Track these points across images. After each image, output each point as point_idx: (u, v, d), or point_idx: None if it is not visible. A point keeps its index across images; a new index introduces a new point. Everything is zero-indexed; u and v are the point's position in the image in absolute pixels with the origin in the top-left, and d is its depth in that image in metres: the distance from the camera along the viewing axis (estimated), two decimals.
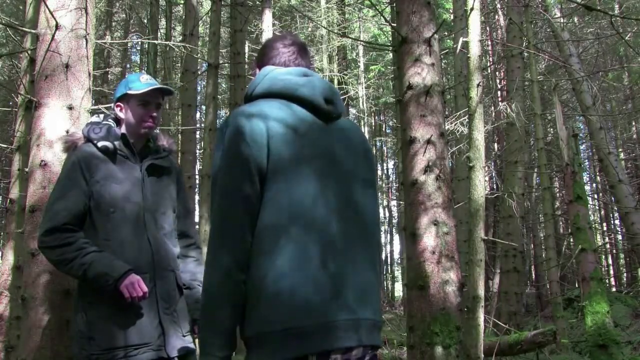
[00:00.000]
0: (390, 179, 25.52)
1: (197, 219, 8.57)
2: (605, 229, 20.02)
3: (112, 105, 2.31)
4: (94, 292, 2.02)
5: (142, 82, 2.21)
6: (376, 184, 1.58)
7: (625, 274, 18.05)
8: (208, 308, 1.33)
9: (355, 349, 1.29)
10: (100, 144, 2.14)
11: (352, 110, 19.26)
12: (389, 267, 26.42)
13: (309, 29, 13.78)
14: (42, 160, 2.64)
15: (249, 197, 1.33)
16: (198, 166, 13.52)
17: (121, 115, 2.24)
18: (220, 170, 1.37)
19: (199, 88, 14.55)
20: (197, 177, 9.20)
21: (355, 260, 1.37)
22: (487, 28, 14.23)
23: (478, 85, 4.37)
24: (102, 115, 2.29)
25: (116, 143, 2.17)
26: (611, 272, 19.73)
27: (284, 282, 1.27)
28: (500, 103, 10.83)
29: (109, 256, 2.00)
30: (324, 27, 12.61)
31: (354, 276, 1.34)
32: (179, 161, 7.85)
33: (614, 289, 16.40)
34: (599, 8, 7.72)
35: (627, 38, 9.15)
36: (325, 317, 1.26)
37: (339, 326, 1.27)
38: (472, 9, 4.37)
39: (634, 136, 17.21)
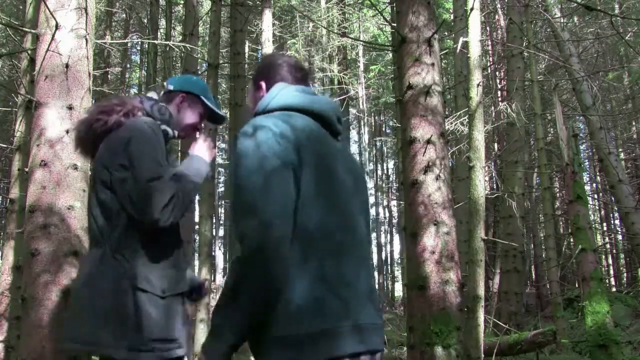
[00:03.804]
0: (390, 179, 25.52)
1: (197, 219, 8.57)
2: (605, 229, 20.02)
3: (169, 86, 2.17)
4: (152, 277, 1.86)
5: (214, 102, 2.22)
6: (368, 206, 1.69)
7: (625, 274, 18.04)
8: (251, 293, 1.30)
9: (363, 354, 1.33)
10: (163, 127, 2.03)
11: (352, 110, 19.24)
12: (389, 267, 26.43)
13: (309, 29, 13.77)
14: (42, 160, 2.64)
15: (291, 189, 1.33)
16: None
17: (181, 106, 2.15)
18: (253, 173, 1.33)
19: None
20: None
21: (360, 268, 1.43)
22: (487, 28, 14.22)
23: (478, 85, 4.37)
24: (154, 94, 2.17)
25: (175, 132, 2.12)
26: (611, 272, 19.74)
27: (311, 288, 1.30)
28: (500, 103, 10.82)
29: (182, 166, 1.98)
30: (324, 27, 12.61)
31: (362, 283, 1.40)
32: (179, 161, 7.84)
33: (614, 289, 16.40)
34: (599, 8, 7.71)
35: (627, 38, 9.15)
36: (352, 321, 1.31)
37: (363, 329, 1.33)
38: (472, 9, 4.37)
39: (634, 136, 17.21)
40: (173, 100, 2.15)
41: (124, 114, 1.96)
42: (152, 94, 2.15)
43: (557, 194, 17.64)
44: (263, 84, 1.66)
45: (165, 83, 2.20)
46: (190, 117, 2.16)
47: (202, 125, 2.23)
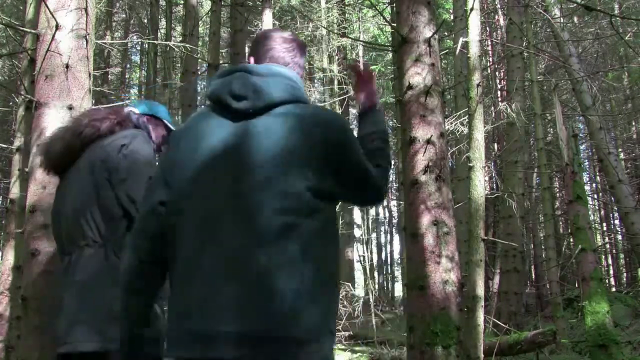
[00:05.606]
0: (390, 179, 25.50)
1: None
2: (605, 229, 20.02)
3: (135, 109, 2.21)
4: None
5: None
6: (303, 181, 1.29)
7: (625, 274, 18.04)
8: None
9: None
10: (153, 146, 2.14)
11: (352, 111, 19.26)
12: (389, 267, 26.43)
13: (309, 29, 13.75)
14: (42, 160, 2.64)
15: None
16: None
17: (149, 127, 2.24)
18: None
19: (199, 88, 14.53)
20: None
21: (217, 286, 1.24)
22: (487, 28, 14.21)
23: (478, 85, 4.37)
24: (134, 109, 2.23)
25: (155, 145, 2.21)
26: (611, 272, 19.73)
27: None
28: (500, 103, 10.82)
29: None
30: (324, 27, 12.60)
31: (209, 299, 1.24)
32: None
33: (614, 289, 16.40)
34: (599, 8, 7.71)
35: (627, 38, 9.15)
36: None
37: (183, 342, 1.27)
38: (472, 9, 4.37)
39: (634, 136, 17.20)
40: (145, 122, 2.23)
41: (117, 123, 2.06)
42: (133, 109, 2.22)
43: (557, 194, 17.63)
44: (251, 60, 1.53)
45: (129, 106, 2.27)
46: (154, 137, 2.24)
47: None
